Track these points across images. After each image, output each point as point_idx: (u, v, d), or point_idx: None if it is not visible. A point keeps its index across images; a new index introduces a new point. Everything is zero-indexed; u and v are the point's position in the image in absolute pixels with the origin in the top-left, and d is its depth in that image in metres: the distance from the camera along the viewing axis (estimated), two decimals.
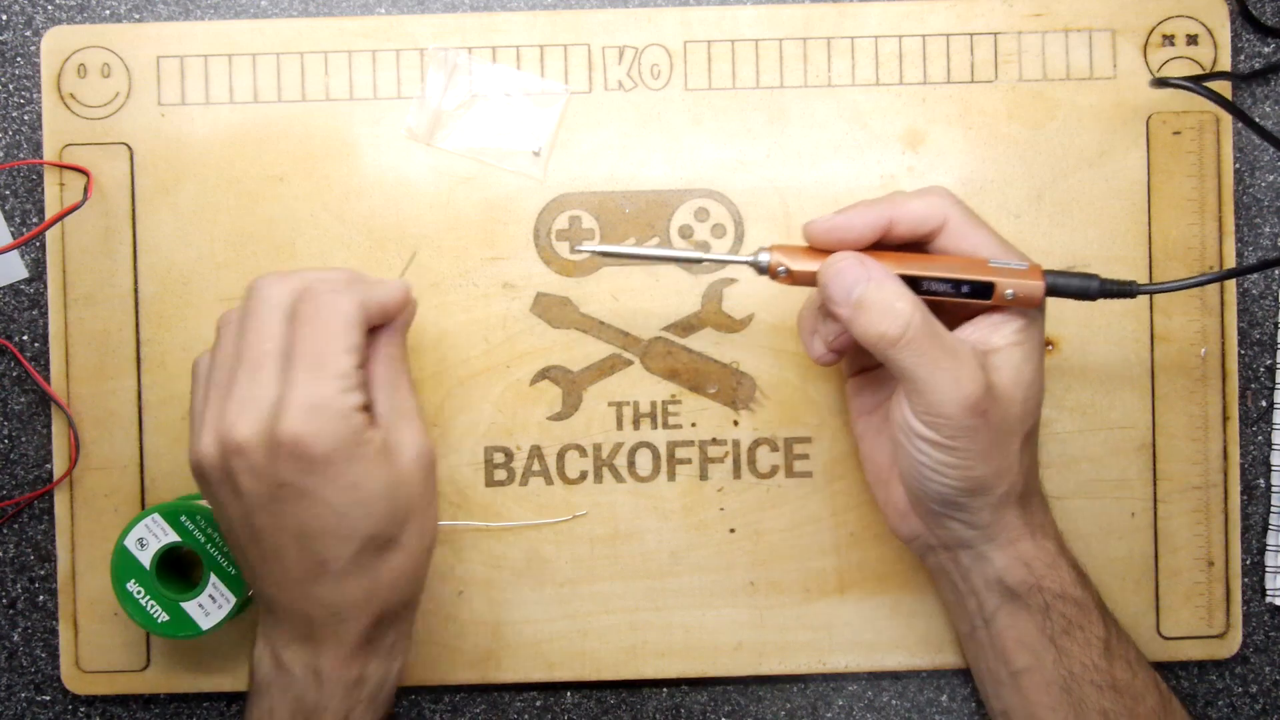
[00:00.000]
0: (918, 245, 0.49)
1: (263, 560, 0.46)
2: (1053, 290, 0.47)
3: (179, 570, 0.56)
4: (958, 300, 0.47)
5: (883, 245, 0.48)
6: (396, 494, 0.46)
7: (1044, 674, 0.50)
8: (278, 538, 0.45)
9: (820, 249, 0.48)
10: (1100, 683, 0.49)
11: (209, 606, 0.53)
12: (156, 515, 0.53)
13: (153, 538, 0.53)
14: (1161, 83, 0.54)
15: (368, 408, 0.45)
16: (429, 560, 0.49)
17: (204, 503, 0.54)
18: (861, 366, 0.54)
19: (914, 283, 0.47)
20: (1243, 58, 0.58)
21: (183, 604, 0.53)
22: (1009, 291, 0.47)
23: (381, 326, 0.49)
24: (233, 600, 0.53)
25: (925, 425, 0.46)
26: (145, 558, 0.53)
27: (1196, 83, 0.54)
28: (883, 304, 0.45)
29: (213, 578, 0.53)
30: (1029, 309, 0.48)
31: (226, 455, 0.44)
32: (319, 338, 0.45)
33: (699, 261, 0.50)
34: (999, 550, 0.50)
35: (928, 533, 0.51)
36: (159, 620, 0.53)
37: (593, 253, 0.50)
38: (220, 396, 0.45)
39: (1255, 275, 0.59)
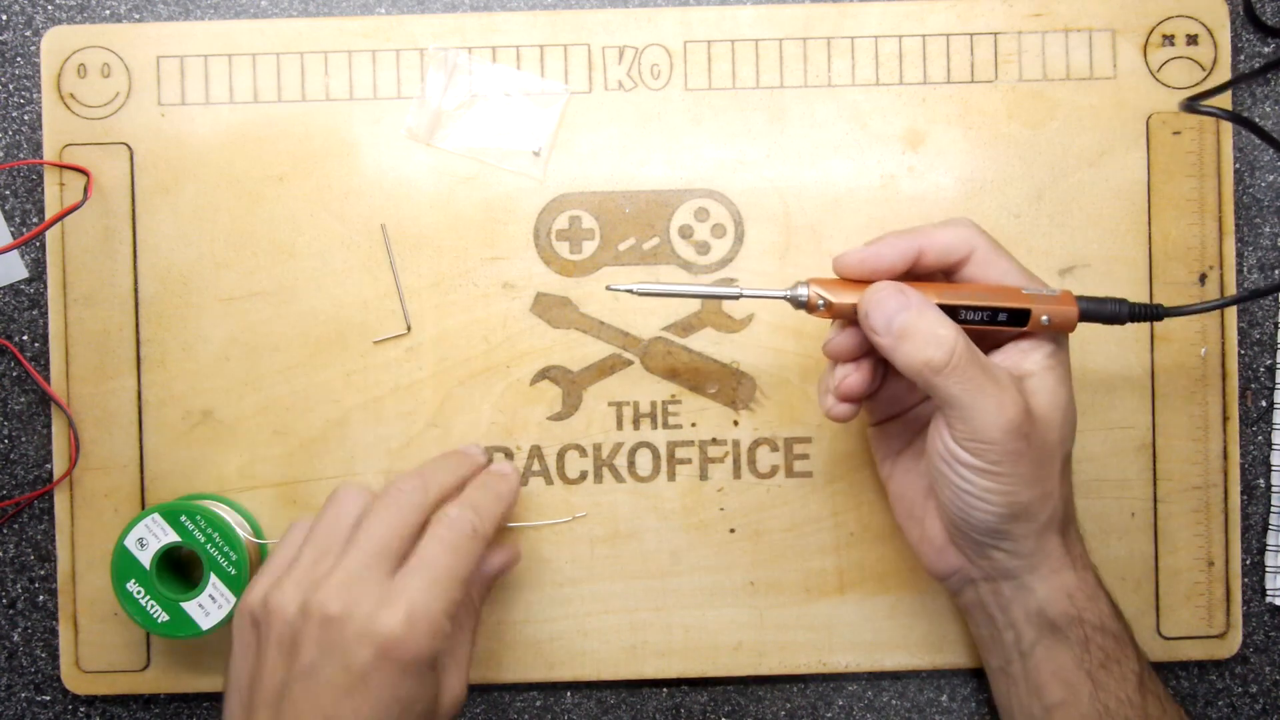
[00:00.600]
0: (945, 275, 0.49)
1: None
2: (1085, 315, 0.48)
3: (179, 570, 0.56)
4: (993, 328, 0.48)
5: (912, 275, 0.48)
6: None
7: (1079, 708, 0.49)
8: (301, 713, 0.45)
9: (853, 280, 0.48)
10: (1134, 718, 0.49)
11: (209, 606, 0.53)
12: (157, 515, 0.53)
13: (153, 538, 0.53)
14: (1192, 109, 0.53)
15: (449, 637, 0.48)
16: None
17: (205, 504, 0.54)
18: (884, 415, 0.53)
19: (951, 312, 0.47)
20: (1243, 58, 0.58)
21: (183, 604, 0.53)
22: (1044, 318, 0.47)
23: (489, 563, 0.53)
24: (233, 600, 0.53)
25: (969, 452, 0.46)
26: (145, 558, 0.53)
27: (1230, 115, 0.53)
28: (926, 331, 0.46)
29: (213, 578, 0.53)
30: (1055, 335, 0.48)
31: (307, 618, 0.46)
32: (451, 559, 0.48)
33: (737, 298, 0.50)
34: (1042, 581, 0.49)
35: (968, 565, 0.51)
36: (159, 620, 0.53)
37: (628, 291, 0.50)
38: (321, 564, 0.47)
39: (1255, 275, 0.59)
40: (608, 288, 0.52)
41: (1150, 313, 0.49)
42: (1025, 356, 0.48)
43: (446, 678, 0.49)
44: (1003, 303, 0.47)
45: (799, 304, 0.48)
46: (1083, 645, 0.49)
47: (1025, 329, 0.48)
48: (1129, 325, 0.57)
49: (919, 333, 0.46)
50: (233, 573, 0.53)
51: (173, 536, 0.53)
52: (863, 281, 0.48)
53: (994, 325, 0.48)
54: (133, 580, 0.53)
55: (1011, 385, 0.46)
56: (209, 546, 0.53)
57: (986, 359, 0.47)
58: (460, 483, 0.52)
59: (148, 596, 0.53)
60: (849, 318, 0.48)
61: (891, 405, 0.53)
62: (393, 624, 0.45)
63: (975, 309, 0.47)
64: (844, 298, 0.48)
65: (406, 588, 0.46)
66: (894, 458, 0.53)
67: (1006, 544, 0.49)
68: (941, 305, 0.47)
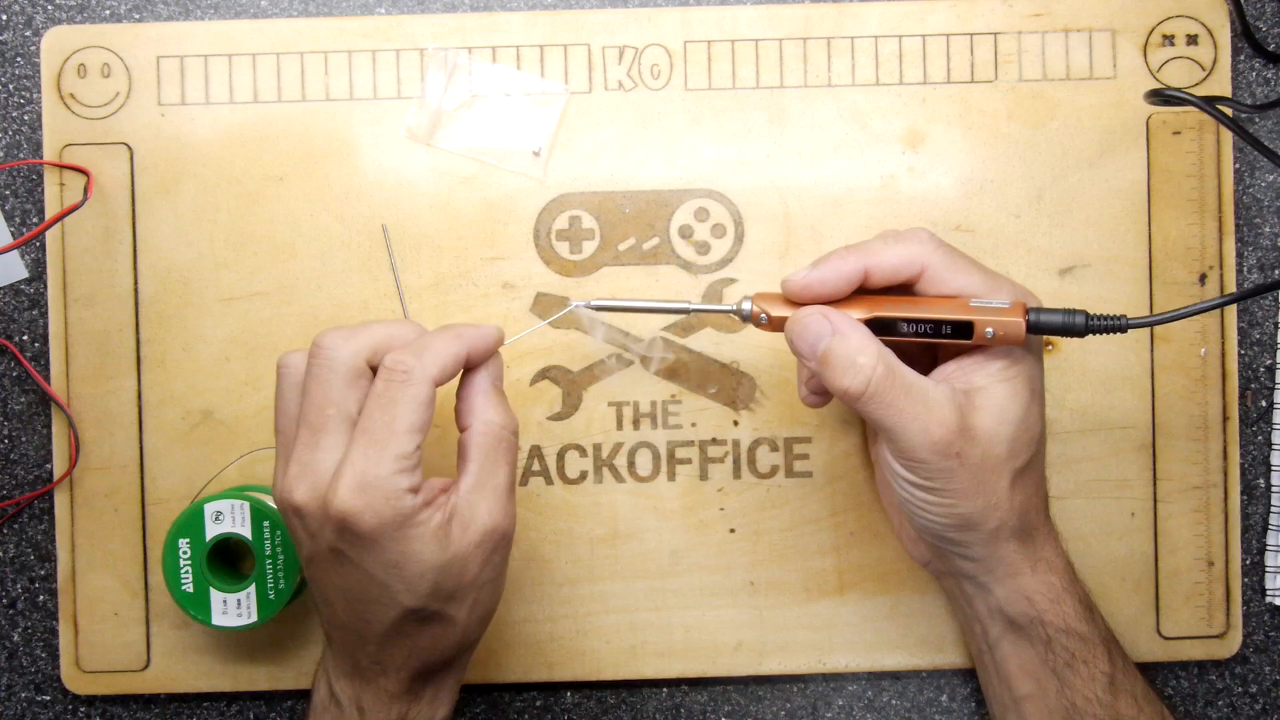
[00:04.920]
0: (902, 288, 0.49)
1: (321, 601, 0.48)
2: (1035, 327, 0.47)
3: (230, 562, 0.56)
4: (940, 341, 0.47)
5: (864, 289, 0.48)
6: (445, 572, 0.45)
7: (1046, 702, 0.50)
8: (329, 591, 0.47)
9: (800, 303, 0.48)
10: (1103, 717, 0.49)
11: (230, 608, 0.53)
12: (247, 504, 0.53)
13: (229, 519, 0.53)
14: (1158, 95, 0.54)
15: (417, 490, 0.45)
16: (484, 628, 0.49)
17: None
18: None
19: (892, 324, 0.47)
20: (1243, 58, 0.58)
21: (212, 589, 0.53)
22: (989, 330, 0.46)
23: (481, 381, 0.48)
24: (254, 619, 0.53)
25: (903, 467, 0.47)
26: (212, 529, 0.53)
27: (1204, 101, 0.53)
28: (845, 359, 0.46)
29: (253, 589, 0.53)
30: (1014, 347, 0.48)
31: (288, 513, 0.46)
32: (384, 414, 0.45)
33: (687, 312, 0.51)
34: (998, 583, 0.50)
35: (935, 559, 0.53)
36: (183, 587, 0.53)
37: (588, 306, 0.52)
38: (284, 452, 0.47)
39: (1255, 275, 0.59)
40: (575, 305, 0.53)
41: (1112, 325, 0.47)
42: (978, 369, 0.48)
43: (470, 512, 0.46)
44: (944, 315, 0.47)
45: (744, 318, 0.49)
46: (1045, 645, 0.50)
47: (972, 342, 0.47)
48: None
49: (838, 360, 0.46)
50: (271, 597, 0.53)
51: (246, 533, 0.53)
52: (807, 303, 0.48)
53: (939, 339, 0.47)
54: (187, 540, 0.53)
55: (943, 404, 0.46)
56: (269, 561, 0.53)
57: (915, 379, 0.46)
58: (412, 331, 0.48)
59: (190, 562, 0.53)
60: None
61: None
62: (344, 501, 0.44)
63: (915, 322, 0.47)
64: (785, 313, 0.48)
65: (351, 458, 0.44)
66: (878, 445, 0.54)
67: (956, 549, 0.49)
68: (881, 318, 0.47)
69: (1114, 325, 0.47)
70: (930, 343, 0.48)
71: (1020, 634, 0.50)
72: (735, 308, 0.49)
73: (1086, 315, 0.47)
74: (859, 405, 0.46)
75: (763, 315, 0.49)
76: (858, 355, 0.46)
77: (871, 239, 0.48)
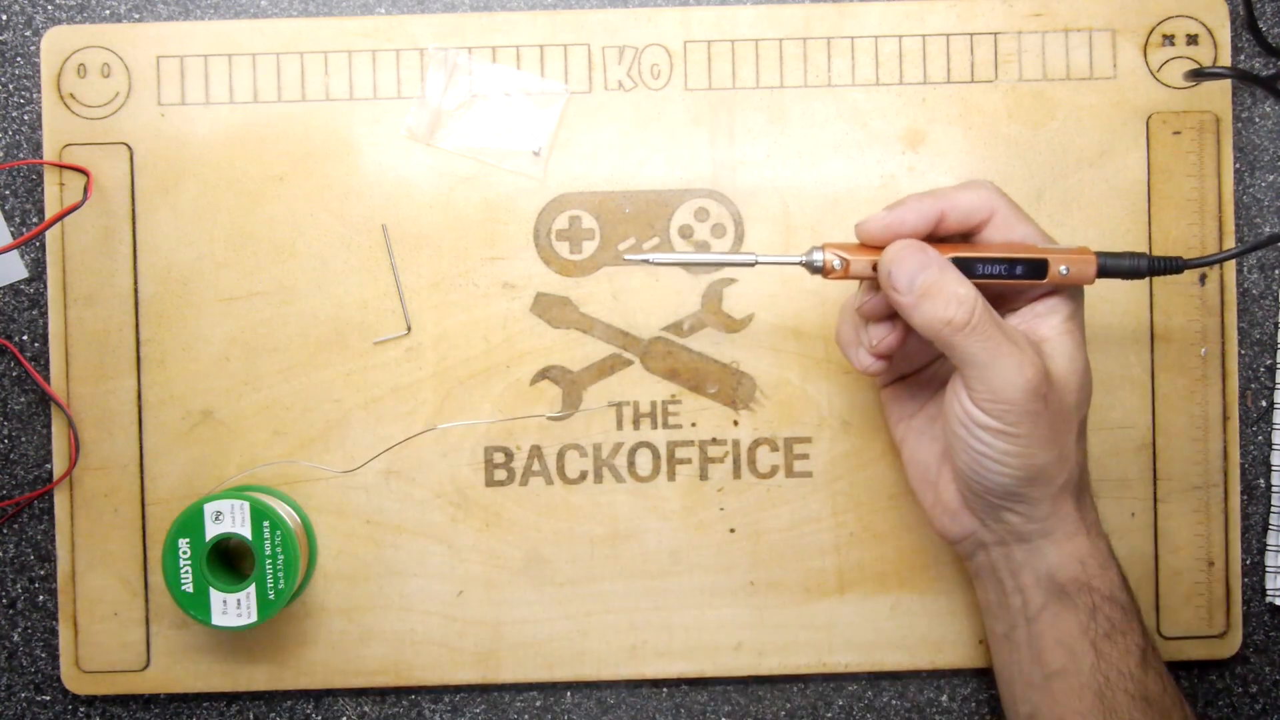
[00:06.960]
0: (963, 238, 0.49)
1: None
2: (1104, 270, 0.48)
3: (229, 562, 0.56)
4: (1012, 283, 0.48)
5: (931, 239, 0.48)
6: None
7: (1079, 678, 0.49)
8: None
9: (875, 246, 0.48)
10: (1134, 692, 0.49)
11: (230, 608, 0.53)
12: (247, 504, 0.53)
13: (229, 519, 0.53)
14: (1197, 74, 0.55)
15: None
16: None
17: (296, 524, 0.54)
18: (897, 375, 0.54)
19: (968, 266, 0.47)
20: (1243, 57, 0.58)
21: (212, 589, 0.53)
22: (1063, 269, 0.47)
23: None
24: (254, 619, 0.53)
25: (987, 414, 0.47)
26: (211, 529, 0.53)
27: (1233, 72, 0.55)
28: (948, 290, 0.46)
29: (252, 589, 0.53)
30: (1076, 294, 0.49)
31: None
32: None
33: (752, 264, 0.50)
34: (1055, 545, 0.49)
35: (981, 529, 0.51)
36: (183, 587, 0.53)
37: (642, 262, 0.50)
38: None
39: (1255, 275, 0.59)
40: (625, 257, 0.53)
41: (1170, 265, 0.49)
42: (1041, 321, 0.48)
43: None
44: (1019, 254, 0.47)
45: (814, 269, 0.49)
46: (1090, 613, 0.49)
47: (1044, 281, 0.47)
48: (1129, 325, 0.57)
49: (940, 291, 0.46)
50: (271, 597, 0.53)
51: (246, 532, 0.53)
52: (882, 247, 0.48)
53: (1012, 279, 0.48)
54: (187, 540, 0.53)
55: (1029, 346, 0.47)
56: (269, 561, 0.53)
57: (1004, 321, 0.47)
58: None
59: (190, 561, 0.53)
60: (863, 279, 0.49)
61: (905, 364, 0.53)
62: None
63: (992, 262, 0.47)
64: (861, 259, 0.48)
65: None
66: (907, 420, 0.53)
67: (1022, 507, 0.49)
68: (958, 258, 0.47)
69: (1172, 266, 0.49)
70: (1000, 286, 0.48)
71: (1065, 602, 0.49)
72: (805, 258, 0.49)
73: (1149, 257, 0.49)
74: (958, 339, 0.46)
75: (836, 261, 0.48)
76: (959, 286, 0.46)
77: (938, 188, 0.49)
